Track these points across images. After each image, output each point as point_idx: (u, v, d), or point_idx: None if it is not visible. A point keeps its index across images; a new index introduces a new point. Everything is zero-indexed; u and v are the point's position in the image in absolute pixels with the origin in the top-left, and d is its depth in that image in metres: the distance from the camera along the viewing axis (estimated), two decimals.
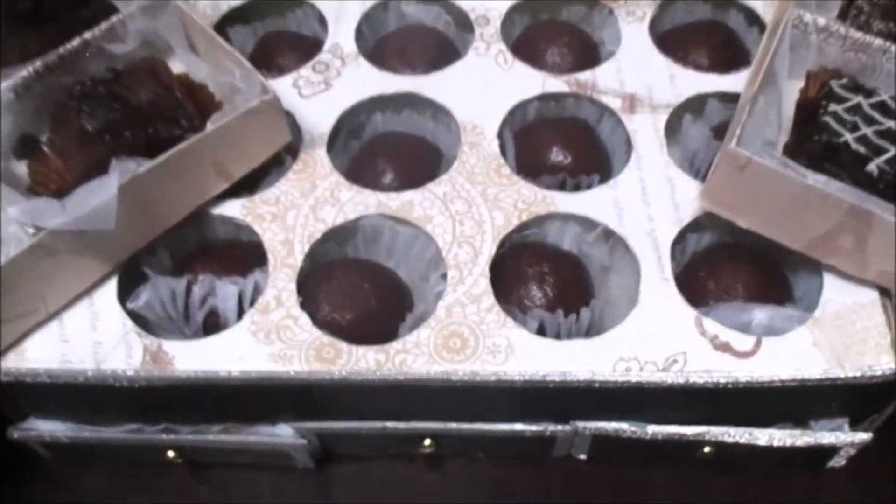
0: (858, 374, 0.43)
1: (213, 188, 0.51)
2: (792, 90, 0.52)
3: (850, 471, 0.50)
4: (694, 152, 0.55)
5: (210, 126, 0.47)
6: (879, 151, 0.44)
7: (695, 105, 0.56)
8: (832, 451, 0.48)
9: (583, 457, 0.52)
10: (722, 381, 0.43)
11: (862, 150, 0.44)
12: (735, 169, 0.43)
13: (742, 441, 0.47)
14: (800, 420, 0.48)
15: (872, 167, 0.44)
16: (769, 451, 0.48)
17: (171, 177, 0.47)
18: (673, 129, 0.55)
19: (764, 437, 0.47)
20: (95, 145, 0.47)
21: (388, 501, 0.52)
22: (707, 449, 0.49)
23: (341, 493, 0.53)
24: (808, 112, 0.48)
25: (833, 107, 0.46)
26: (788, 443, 0.47)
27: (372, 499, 0.52)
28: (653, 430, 0.47)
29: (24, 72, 0.50)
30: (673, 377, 0.43)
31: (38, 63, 0.50)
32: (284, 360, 0.45)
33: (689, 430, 0.47)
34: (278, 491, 0.53)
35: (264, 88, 0.49)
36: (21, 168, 0.50)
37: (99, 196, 0.44)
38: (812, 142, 0.46)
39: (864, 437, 0.47)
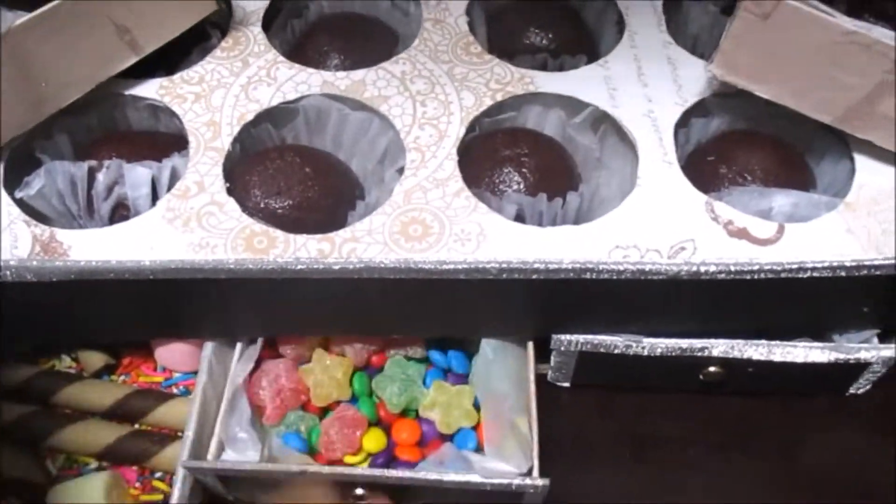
0: None
1: (118, 60, 0.42)
2: None
3: (875, 397, 0.43)
4: (695, 36, 0.48)
5: None
6: None
7: None
8: (858, 369, 0.41)
9: (566, 384, 0.45)
10: (739, 268, 0.35)
11: None
12: (758, 19, 0.36)
13: (755, 357, 0.40)
14: (822, 330, 0.41)
15: None
16: (784, 370, 0.41)
17: (61, 37, 0.39)
18: (670, 12, 0.48)
19: (781, 351, 0.40)
20: None
21: None
22: (712, 368, 0.41)
23: None
24: None
25: None
26: (809, 358, 0.40)
27: None
28: (650, 343, 0.40)
29: None
30: (681, 265, 0.35)
31: None
32: (207, 250, 0.36)
33: (694, 344, 0.40)
34: None
35: None
36: None
37: None
38: None
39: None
